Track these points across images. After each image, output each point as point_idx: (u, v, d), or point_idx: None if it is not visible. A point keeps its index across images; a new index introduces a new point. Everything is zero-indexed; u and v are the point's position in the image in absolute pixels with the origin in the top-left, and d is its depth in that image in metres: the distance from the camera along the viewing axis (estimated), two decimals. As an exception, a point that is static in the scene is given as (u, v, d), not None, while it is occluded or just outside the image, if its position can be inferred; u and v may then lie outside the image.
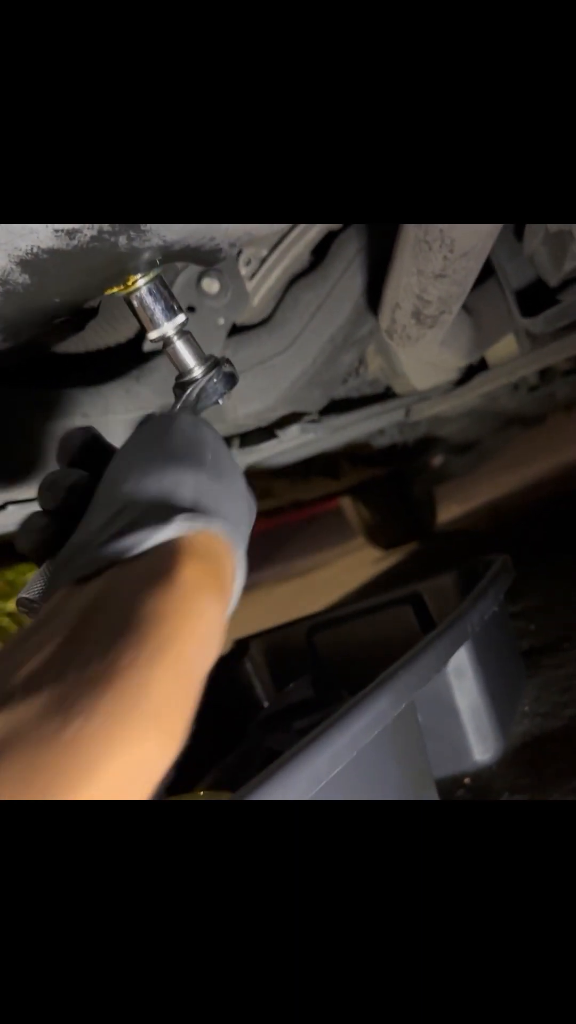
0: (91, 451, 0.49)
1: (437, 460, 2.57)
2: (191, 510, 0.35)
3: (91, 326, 0.87)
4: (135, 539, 0.33)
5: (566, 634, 1.05)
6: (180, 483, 0.37)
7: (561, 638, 1.04)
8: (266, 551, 3.72)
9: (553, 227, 0.75)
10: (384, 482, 2.34)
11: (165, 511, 0.34)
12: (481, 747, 0.74)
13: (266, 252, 0.95)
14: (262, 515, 2.10)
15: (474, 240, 0.65)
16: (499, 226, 0.64)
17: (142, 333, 0.95)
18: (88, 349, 0.91)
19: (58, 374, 0.88)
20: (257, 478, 1.50)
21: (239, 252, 0.94)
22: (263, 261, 0.95)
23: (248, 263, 0.96)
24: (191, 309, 0.90)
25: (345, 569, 2.84)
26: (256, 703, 1.07)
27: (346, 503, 2.59)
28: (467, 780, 0.73)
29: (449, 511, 2.98)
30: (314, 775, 0.46)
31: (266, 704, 1.05)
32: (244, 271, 0.95)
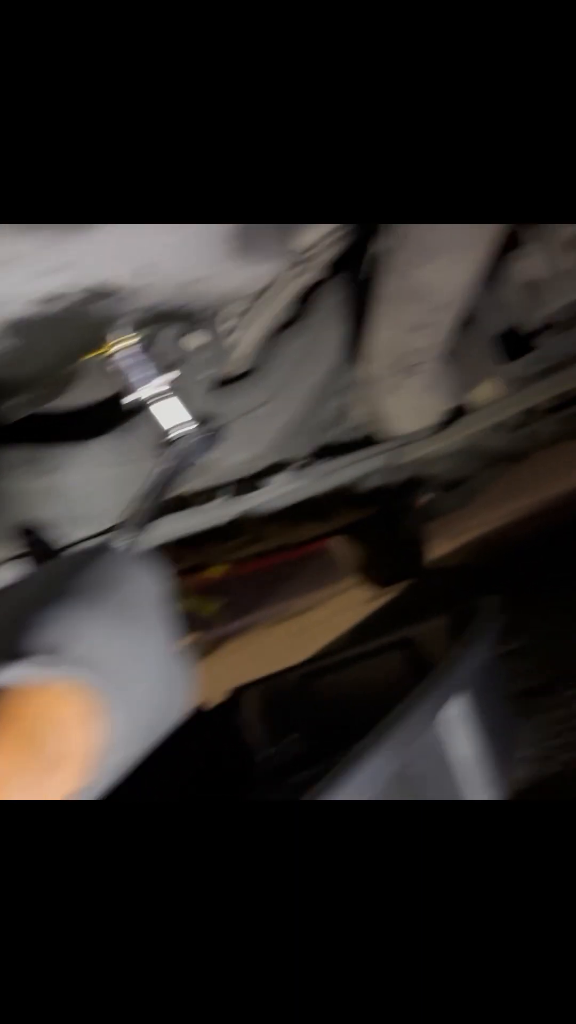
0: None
1: (426, 498, 2.58)
2: (53, 655, 0.31)
3: (76, 380, 0.88)
4: None
5: (560, 673, 1.05)
6: (52, 624, 0.33)
7: (555, 678, 1.03)
8: (258, 594, 3.70)
9: (524, 275, 0.77)
10: (373, 521, 2.35)
11: (10, 652, 0.31)
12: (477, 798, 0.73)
13: (247, 305, 0.96)
14: (252, 558, 2.09)
15: (449, 293, 0.66)
16: (472, 278, 0.66)
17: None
18: (76, 405, 0.91)
19: (44, 431, 0.88)
20: (247, 524, 1.50)
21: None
22: (244, 313, 0.97)
23: (229, 316, 0.97)
24: (174, 365, 0.90)
25: (338, 609, 2.83)
26: (250, 754, 1.05)
27: (336, 543, 2.59)
28: (464, 832, 0.72)
29: (440, 548, 2.99)
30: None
31: (258, 754, 1.04)
32: (225, 325, 0.96)
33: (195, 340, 0.92)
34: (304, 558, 3.31)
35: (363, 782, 0.51)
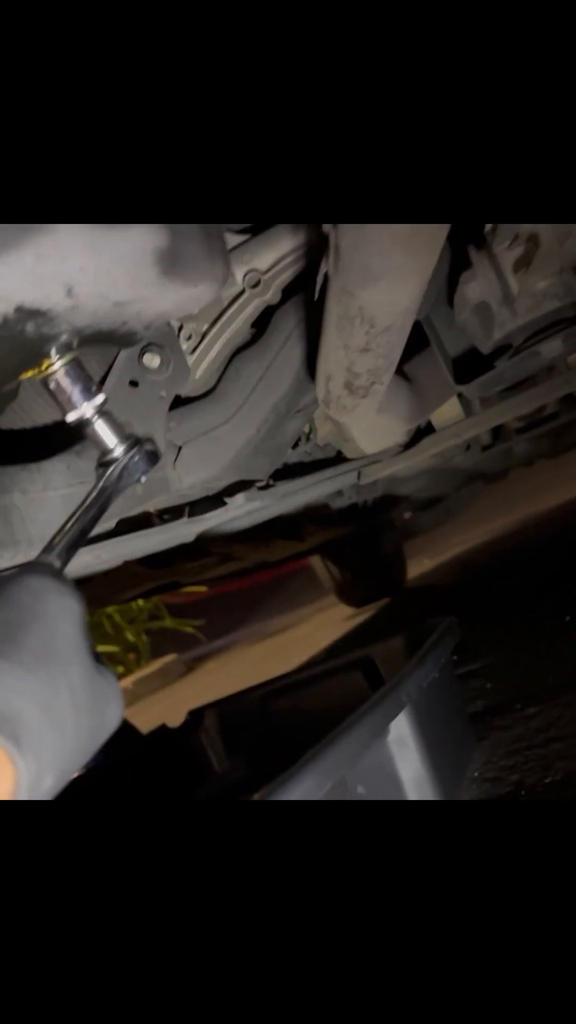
0: None
1: (405, 516, 2.59)
2: None
3: (28, 400, 0.88)
4: None
5: (520, 694, 1.05)
6: None
7: (514, 698, 1.03)
8: (239, 612, 3.69)
9: (472, 297, 0.78)
10: (352, 540, 2.35)
11: None
12: (425, 818, 0.73)
13: (207, 326, 0.97)
14: (227, 577, 2.09)
15: (392, 316, 0.67)
16: (415, 302, 0.67)
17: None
18: (24, 426, 0.91)
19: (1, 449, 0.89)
20: (216, 544, 1.50)
21: (180, 327, 0.96)
22: (204, 335, 0.97)
23: (189, 337, 0.98)
24: (133, 384, 0.91)
25: (318, 627, 2.82)
26: (210, 772, 1.05)
27: (316, 562, 2.59)
28: (412, 853, 0.72)
29: (420, 566, 2.99)
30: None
31: (218, 773, 1.03)
32: (185, 345, 0.97)
33: (154, 360, 0.92)
34: (285, 577, 3.31)
35: (305, 791, 0.51)
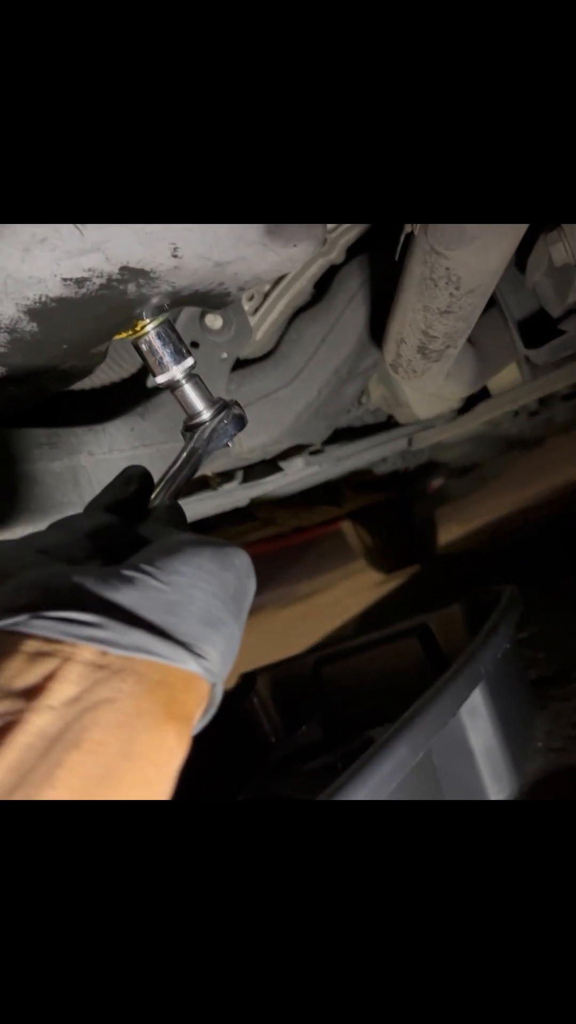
0: (134, 500, 0.47)
1: (437, 483, 2.57)
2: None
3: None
4: None
5: (574, 662, 1.04)
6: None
7: (569, 667, 1.03)
8: (268, 575, 3.70)
9: (558, 260, 0.76)
10: (385, 506, 2.34)
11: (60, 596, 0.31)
12: (496, 787, 0.73)
13: (269, 287, 0.95)
14: (263, 541, 2.09)
15: (480, 278, 0.65)
16: (504, 263, 0.64)
17: (146, 368, 0.95)
18: (93, 386, 0.90)
19: (63, 412, 0.88)
20: (260, 508, 1.49)
21: (242, 287, 0.94)
22: (266, 296, 0.95)
23: (251, 298, 0.96)
24: (195, 345, 0.89)
25: (347, 592, 2.83)
26: (263, 738, 1.05)
27: (347, 526, 2.58)
28: (482, 821, 0.72)
29: (450, 532, 2.98)
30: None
31: (273, 739, 1.04)
32: (247, 306, 0.95)
33: (216, 321, 0.91)
34: (313, 542, 3.31)
35: (387, 774, 0.51)
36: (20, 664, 0.29)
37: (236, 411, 0.57)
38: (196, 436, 0.55)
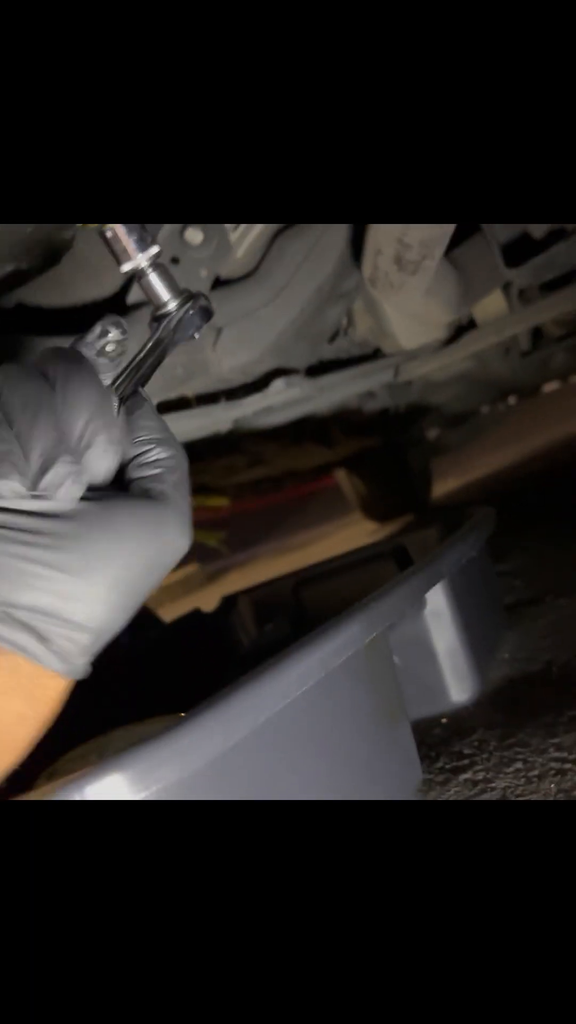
0: None
1: (432, 433, 2.57)
2: None
3: (74, 278, 0.88)
4: None
5: (551, 588, 1.06)
6: None
7: (546, 592, 1.05)
8: (261, 528, 3.72)
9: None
10: (379, 454, 2.35)
11: None
12: (458, 688, 0.75)
13: (251, 203, 0.95)
14: (253, 488, 2.10)
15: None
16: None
17: (127, 286, 0.95)
18: (73, 303, 0.91)
19: (43, 326, 0.88)
20: (248, 442, 1.50)
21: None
22: (248, 212, 0.95)
23: (233, 214, 0.95)
24: (175, 260, 0.89)
25: (342, 541, 2.85)
26: (241, 644, 1.08)
27: (341, 476, 2.59)
28: (444, 720, 0.74)
29: (445, 484, 2.99)
30: (282, 691, 0.47)
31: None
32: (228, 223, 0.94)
33: (197, 236, 0.91)
34: (309, 496, 3.32)
35: (337, 647, 0.53)
36: None
37: (203, 303, 0.57)
38: (163, 326, 0.56)
